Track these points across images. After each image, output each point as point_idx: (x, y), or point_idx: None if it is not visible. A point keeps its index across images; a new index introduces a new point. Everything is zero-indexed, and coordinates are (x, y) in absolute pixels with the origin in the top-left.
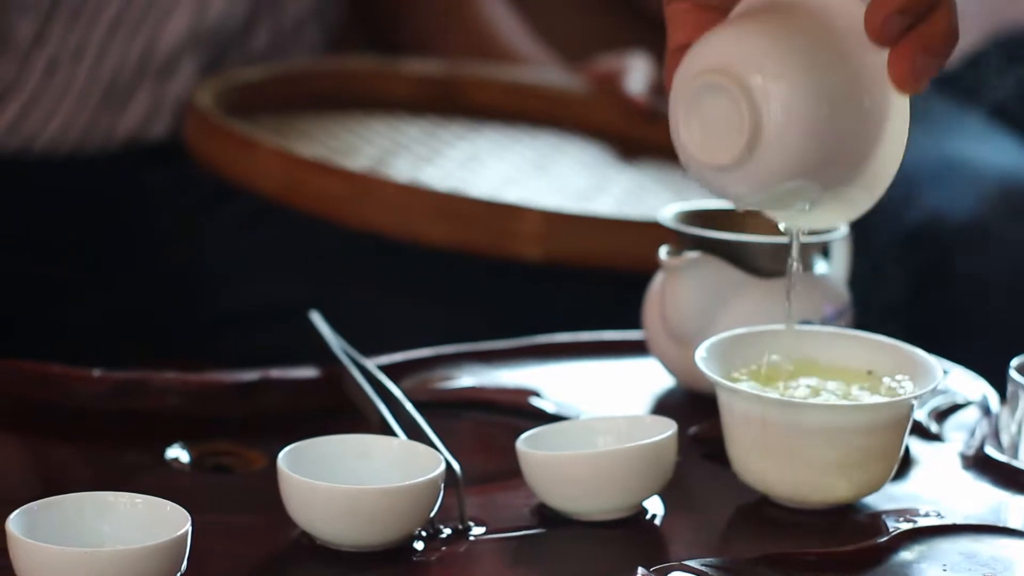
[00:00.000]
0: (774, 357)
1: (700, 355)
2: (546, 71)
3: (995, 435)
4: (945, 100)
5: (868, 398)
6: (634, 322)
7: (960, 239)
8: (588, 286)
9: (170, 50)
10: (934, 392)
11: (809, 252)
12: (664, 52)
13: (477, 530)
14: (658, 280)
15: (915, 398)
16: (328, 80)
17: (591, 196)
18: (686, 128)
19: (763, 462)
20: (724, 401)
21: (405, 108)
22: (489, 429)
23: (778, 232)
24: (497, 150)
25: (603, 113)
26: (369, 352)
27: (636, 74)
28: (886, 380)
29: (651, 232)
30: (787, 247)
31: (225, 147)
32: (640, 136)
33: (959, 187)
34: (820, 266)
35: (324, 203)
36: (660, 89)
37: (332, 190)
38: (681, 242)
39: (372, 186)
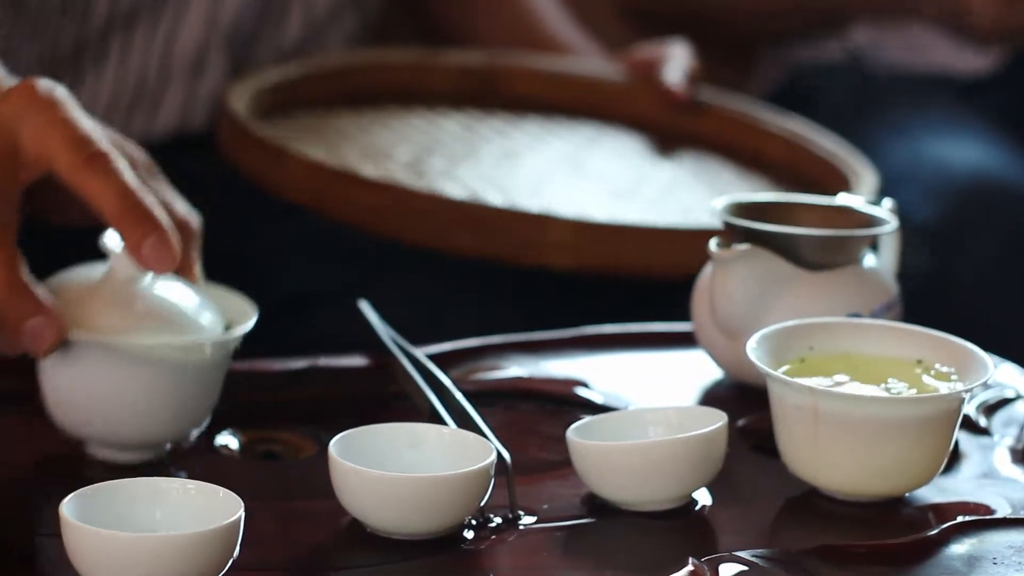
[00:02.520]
0: (812, 348)
1: (751, 346)
2: (587, 60)
3: None
4: (969, 112)
5: (920, 391)
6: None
7: (924, 238)
8: (620, 293)
9: (192, 48)
10: (983, 386)
11: (858, 246)
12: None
13: (527, 519)
14: (707, 272)
15: (967, 391)
16: (366, 75)
17: (626, 195)
18: None
19: (813, 454)
20: (775, 393)
21: (445, 101)
22: (537, 419)
23: (827, 225)
24: (534, 144)
25: (642, 103)
26: (413, 342)
27: (674, 63)
28: (936, 371)
29: (681, 238)
30: (839, 240)
31: (255, 154)
32: (678, 126)
33: (924, 187)
34: (869, 259)
35: (353, 213)
36: (698, 79)
37: (361, 200)
38: (731, 234)
39: (401, 196)
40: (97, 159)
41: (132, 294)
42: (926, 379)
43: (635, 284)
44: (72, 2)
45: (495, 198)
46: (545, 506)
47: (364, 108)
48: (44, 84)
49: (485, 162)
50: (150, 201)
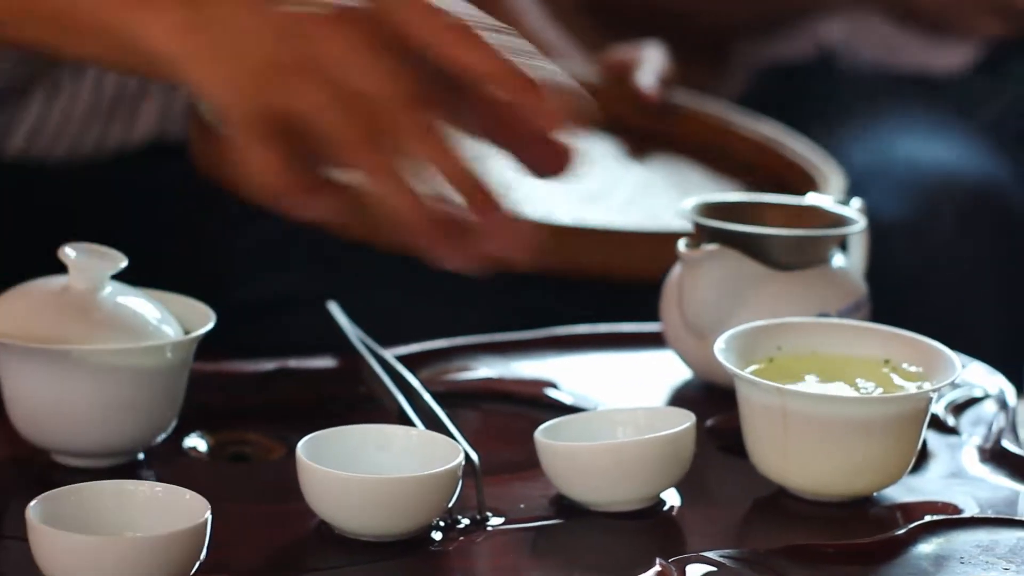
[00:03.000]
0: (780, 348)
1: (719, 347)
2: (563, 61)
3: (1012, 429)
4: (934, 111)
5: (888, 391)
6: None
7: (894, 237)
8: (588, 294)
9: None
10: (952, 385)
11: (827, 245)
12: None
13: (495, 520)
14: (676, 272)
15: (934, 391)
16: None
17: (596, 198)
18: None
19: (782, 454)
20: (743, 393)
21: None
22: (506, 420)
23: (796, 225)
24: None
25: (615, 105)
26: (382, 344)
27: (648, 66)
28: (903, 371)
29: (642, 242)
30: (807, 240)
31: (223, 157)
32: (651, 129)
33: (895, 185)
34: (838, 259)
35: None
36: (672, 81)
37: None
38: (700, 234)
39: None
40: (468, 30)
41: (90, 304)
42: (894, 378)
43: (598, 288)
44: None
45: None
46: (517, 506)
47: None
48: None
49: None
50: (523, 64)
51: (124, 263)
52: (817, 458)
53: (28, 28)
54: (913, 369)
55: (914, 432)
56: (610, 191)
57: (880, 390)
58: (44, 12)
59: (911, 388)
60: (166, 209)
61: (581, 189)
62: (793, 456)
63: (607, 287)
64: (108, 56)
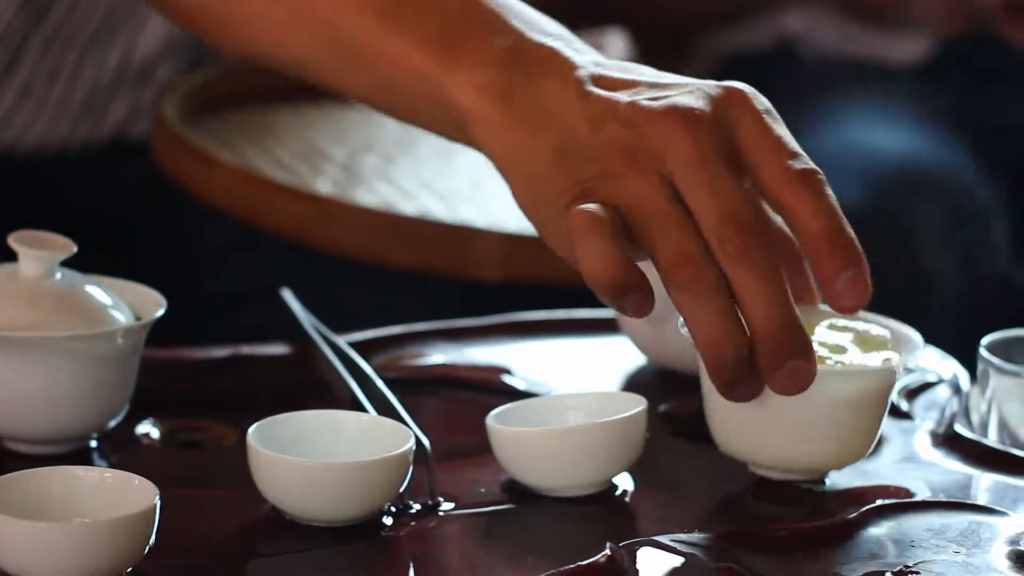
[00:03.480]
0: None
1: (683, 328)
2: None
3: (965, 413)
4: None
5: (854, 366)
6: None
7: (851, 223)
8: (551, 304)
9: (146, 59)
10: (905, 370)
11: None
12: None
13: (447, 505)
14: None
15: (901, 367)
16: None
17: None
18: None
19: (748, 431)
20: None
21: None
22: (459, 405)
23: None
24: None
25: None
26: (341, 331)
27: (609, 54)
28: (869, 337)
29: None
30: None
31: (187, 162)
32: None
33: (851, 172)
34: None
35: (287, 225)
36: None
37: (290, 211)
38: None
39: (335, 209)
40: (811, 176)
41: (40, 291)
42: (860, 353)
43: (567, 296)
44: (34, 22)
45: (431, 202)
46: (469, 492)
47: (301, 104)
48: (750, 88)
49: (420, 162)
50: (852, 232)
51: (74, 249)
52: (784, 433)
53: (332, 67)
54: (876, 332)
55: (879, 407)
56: None
57: (852, 351)
58: (365, 57)
59: (884, 356)
60: (130, 204)
61: None
62: (759, 433)
63: (573, 295)
64: (417, 107)
